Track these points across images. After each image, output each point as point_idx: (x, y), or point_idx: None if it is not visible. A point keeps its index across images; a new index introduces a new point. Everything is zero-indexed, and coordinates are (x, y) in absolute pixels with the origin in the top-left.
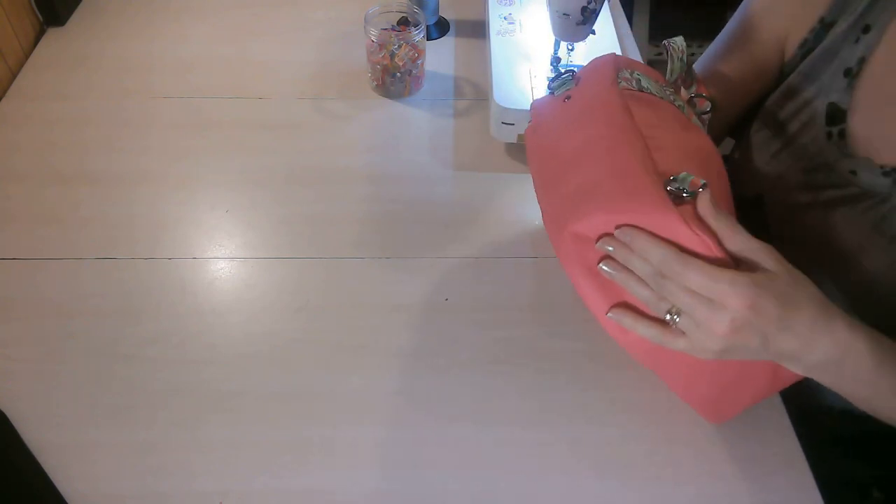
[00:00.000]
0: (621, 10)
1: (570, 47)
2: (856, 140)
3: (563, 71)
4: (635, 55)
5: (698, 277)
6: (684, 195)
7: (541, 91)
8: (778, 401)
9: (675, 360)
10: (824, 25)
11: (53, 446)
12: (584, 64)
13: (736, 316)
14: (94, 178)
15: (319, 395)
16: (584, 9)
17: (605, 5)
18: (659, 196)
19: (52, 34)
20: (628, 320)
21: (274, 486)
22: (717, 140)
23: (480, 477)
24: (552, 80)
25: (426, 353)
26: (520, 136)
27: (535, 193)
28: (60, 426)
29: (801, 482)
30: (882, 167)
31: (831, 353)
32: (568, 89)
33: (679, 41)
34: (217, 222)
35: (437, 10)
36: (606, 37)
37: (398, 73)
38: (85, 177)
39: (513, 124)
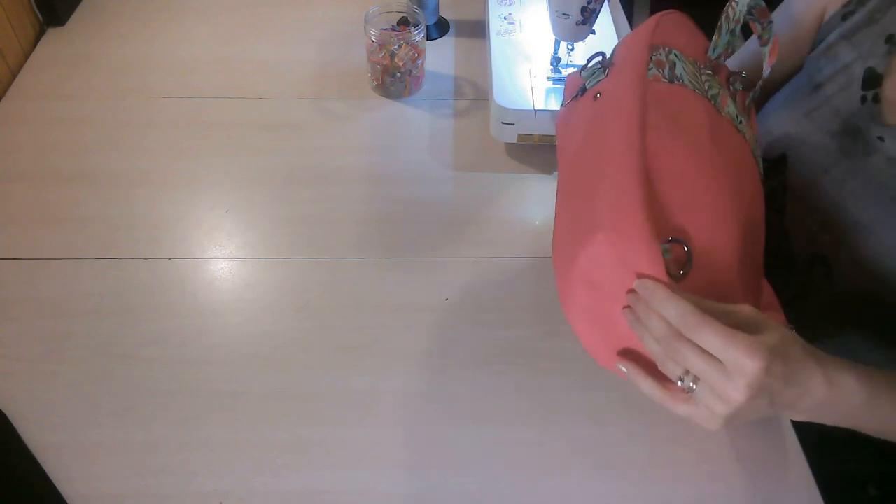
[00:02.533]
0: (621, 10)
1: (570, 47)
2: (889, 105)
3: (593, 57)
4: None
5: (714, 338)
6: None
7: (540, 91)
8: None
9: None
10: None
11: (53, 446)
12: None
13: (753, 381)
14: (94, 178)
15: (319, 395)
16: (584, 9)
17: (605, 5)
18: (653, 251)
19: (52, 34)
20: (633, 373)
21: (274, 486)
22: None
23: (480, 477)
24: (582, 69)
25: (426, 353)
26: (520, 136)
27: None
28: (60, 426)
29: (801, 482)
30: None
31: (822, 397)
32: (598, 81)
33: (743, 2)
34: (217, 222)
35: (437, 10)
36: (606, 37)
37: (398, 73)
38: (85, 177)
39: (513, 124)
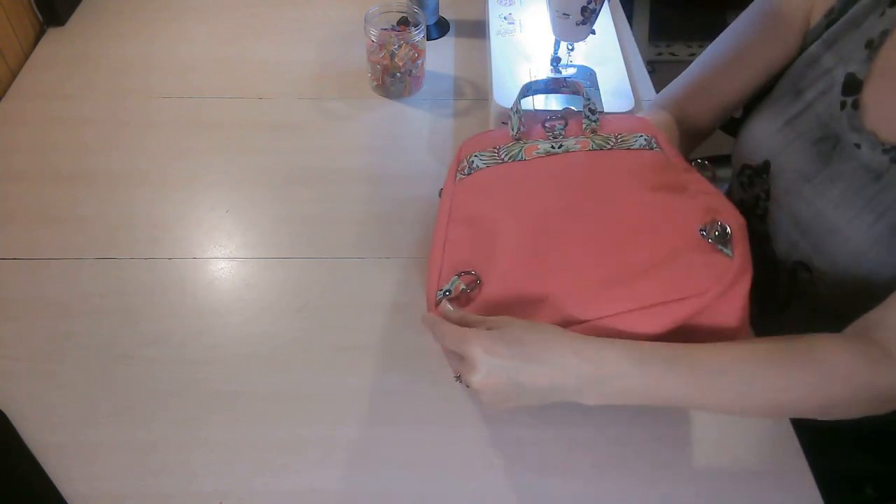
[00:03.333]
0: (621, 10)
1: (570, 47)
2: (867, 112)
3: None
4: (635, 55)
5: (451, 340)
6: (447, 295)
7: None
8: None
9: None
10: None
11: (53, 446)
12: (584, 64)
13: (476, 363)
14: (94, 178)
15: (319, 395)
16: (584, 9)
17: (605, 5)
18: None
19: (52, 34)
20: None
21: (274, 486)
22: (730, 110)
23: (480, 477)
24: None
25: (426, 353)
26: None
27: None
28: (60, 426)
29: (801, 482)
30: (883, 144)
31: (585, 372)
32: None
33: (516, 98)
34: (217, 222)
35: (437, 10)
36: (606, 37)
37: (398, 73)
38: (85, 177)
39: None
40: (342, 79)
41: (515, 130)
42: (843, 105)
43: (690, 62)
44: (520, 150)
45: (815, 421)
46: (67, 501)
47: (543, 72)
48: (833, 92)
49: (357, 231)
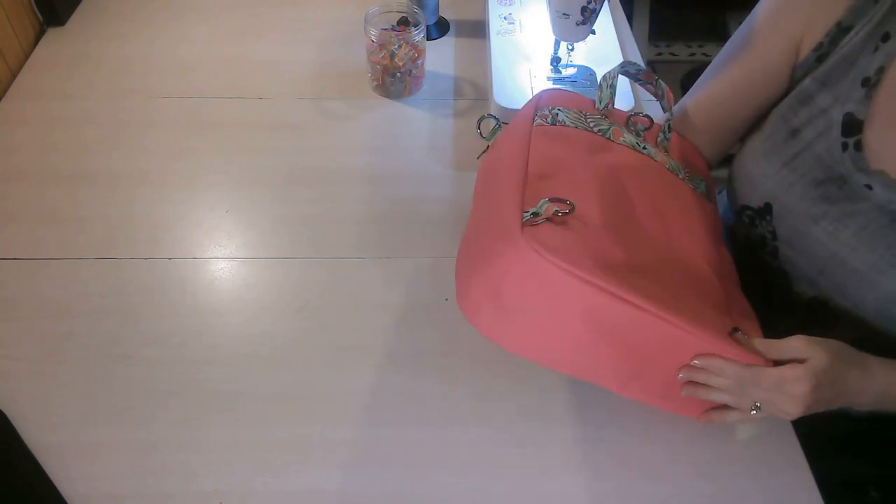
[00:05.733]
0: (621, 10)
1: (570, 47)
2: (871, 152)
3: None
4: (635, 55)
5: (769, 380)
6: (538, 219)
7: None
8: None
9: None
10: (841, 30)
11: (53, 446)
12: (585, 64)
13: (805, 400)
14: (94, 178)
15: (319, 395)
16: (584, 9)
17: (605, 5)
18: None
19: (52, 34)
20: (719, 417)
21: (274, 486)
22: (726, 146)
23: (480, 477)
24: (490, 136)
25: (426, 353)
26: None
27: None
28: (60, 426)
29: (802, 482)
30: None
31: (874, 398)
32: (495, 137)
33: (613, 70)
34: (217, 222)
35: (437, 10)
36: (606, 37)
37: (398, 73)
38: (85, 177)
39: None
40: (342, 79)
41: (604, 105)
42: (844, 146)
43: (690, 62)
44: (608, 128)
45: (817, 424)
46: (67, 501)
47: (543, 72)
48: (832, 132)
49: (357, 231)
